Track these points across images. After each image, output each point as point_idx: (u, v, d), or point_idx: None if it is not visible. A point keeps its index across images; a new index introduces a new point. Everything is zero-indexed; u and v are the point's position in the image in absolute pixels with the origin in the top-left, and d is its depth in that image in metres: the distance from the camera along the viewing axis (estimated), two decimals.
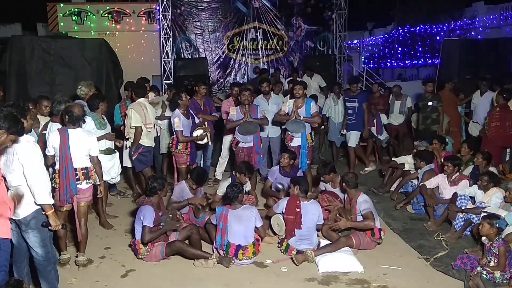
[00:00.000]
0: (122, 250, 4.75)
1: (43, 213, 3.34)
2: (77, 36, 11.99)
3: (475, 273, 3.88)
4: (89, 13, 13.44)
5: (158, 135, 6.71)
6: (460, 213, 4.93)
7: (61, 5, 13.36)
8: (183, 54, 12.95)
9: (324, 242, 4.70)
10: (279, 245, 4.71)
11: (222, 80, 13.30)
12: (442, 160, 5.93)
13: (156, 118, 6.31)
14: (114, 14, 13.56)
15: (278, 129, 6.90)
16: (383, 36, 23.44)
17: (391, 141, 8.12)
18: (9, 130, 2.91)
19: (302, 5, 13.49)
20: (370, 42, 24.36)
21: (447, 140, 6.71)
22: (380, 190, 6.49)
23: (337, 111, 7.98)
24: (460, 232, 4.88)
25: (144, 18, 13.78)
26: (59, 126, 4.46)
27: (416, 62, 21.10)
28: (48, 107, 5.04)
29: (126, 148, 5.98)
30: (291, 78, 9.53)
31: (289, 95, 7.54)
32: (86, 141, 4.20)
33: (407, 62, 21.50)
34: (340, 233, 4.76)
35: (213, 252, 4.46)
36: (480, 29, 18.66)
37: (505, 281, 3.82)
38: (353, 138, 7.36)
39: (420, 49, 20.75)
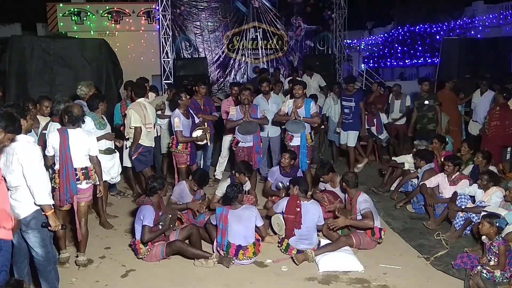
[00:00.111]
0: (122, 250, 4.75)
1: (43, 213, 3.35)
2: (76, 36, 12.01)
3: (475, 272, 3.88)
4: (88, 13, 13.45)
5: (159, 135, 6.70)
6: (460, 212, 4.94)
7: (61, 5, 13.38)
8: (182, 54, 12.93)
9: (324, 241, 4.70)
10: (279, 245, 4.71)
11: (222, 79, 13.29)
12: (442, 160, 5.94)
13: (157, 117, 6.33)
14: (114, 14, 13.58)
15: (278, 129, 6.89)
16: (383, 36, 23.43)
17: (391, 140, 8.13)
18: (6, 129, 2.90)
19: (302, 4, 13.47)
20: (370, 41, 24.35)
21: (447, 139, 6.71)
22: (380, 190, 6.49)
23: (337, 111, 7.98)
24: (460, 231, 4.88)
25: (143, 18, 13.80)
26: (59, 126, 4.46)
27: (416, 61, 21.08)
28: (49, 107, 5.02)
29: (126, 148, 5.98)
30: (291, 77, 9.53)
31: (289, 95, 7.54)
32: (86, 141, 4.19)
33: (407, 61, 21.50)
34: (340, 233, 4.76)
35: (214, 252, 4.46)
36: (480, 28, 18.65)
37: (505, 280, 3.82)
38: (351, 138, 7.36)
39: (420, 48, 20.75)
